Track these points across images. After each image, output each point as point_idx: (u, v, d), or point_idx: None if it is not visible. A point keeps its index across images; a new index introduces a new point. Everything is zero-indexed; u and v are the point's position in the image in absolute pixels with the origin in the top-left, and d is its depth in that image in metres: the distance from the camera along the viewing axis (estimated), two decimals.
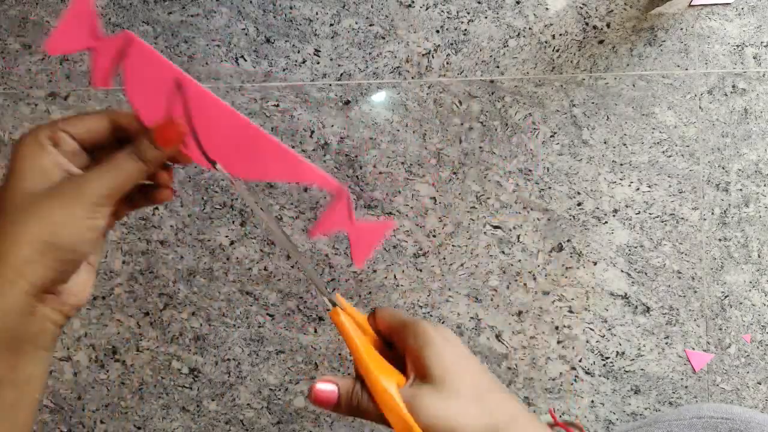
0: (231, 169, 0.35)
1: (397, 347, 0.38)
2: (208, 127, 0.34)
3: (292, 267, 0.78)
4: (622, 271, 0.77)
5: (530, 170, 0.77)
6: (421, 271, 0.77)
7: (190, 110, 0.34)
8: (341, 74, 0.78)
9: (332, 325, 0.77)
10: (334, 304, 0.36)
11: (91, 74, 0.35)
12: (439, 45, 0.78)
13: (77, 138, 0.33)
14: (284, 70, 0.78)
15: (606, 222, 0.77)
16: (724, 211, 0.77)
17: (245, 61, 0.78)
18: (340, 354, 0.77)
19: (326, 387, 0.35)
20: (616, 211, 0.77)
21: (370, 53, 0.78)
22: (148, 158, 0.33)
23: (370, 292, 0.77)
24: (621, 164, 0.77)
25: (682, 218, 0.77)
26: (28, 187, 0.31)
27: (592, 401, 0.77)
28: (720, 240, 0.77)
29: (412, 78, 0.78)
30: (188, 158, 0.36)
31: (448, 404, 0.33)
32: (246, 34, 0.79)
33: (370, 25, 0.78)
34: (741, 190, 0.77)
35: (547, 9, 0.78)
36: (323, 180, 0.35)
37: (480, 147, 0.78)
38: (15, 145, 0.32)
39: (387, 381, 0.35)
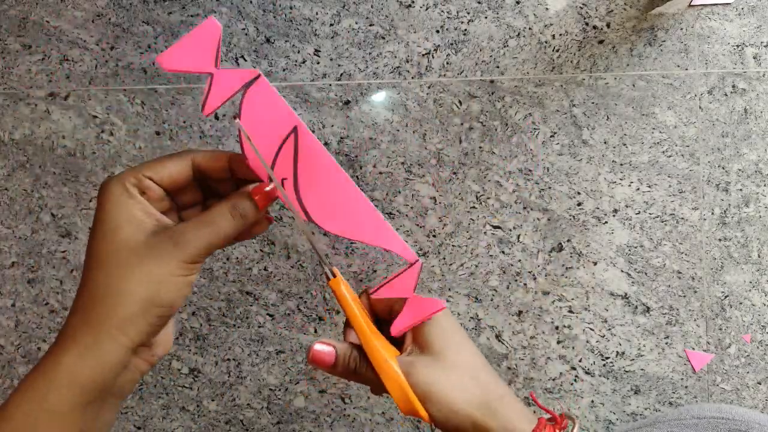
0: (323, 224, 0.35)
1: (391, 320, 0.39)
2: (310, 179, 0.35)
3: (292, 267, 0.78)
4: (622, 271, 0.77)
5: (530, 170, 0.77)
6: (420, 271, 0.77)
7: (298, 159, 0.34)
8: (341, 74, 0.78)
9: (332, 324, 0.77)
10: (335, 275, 0.37)
11: (205, 100, 0.34)
12: (439, 45, 0.78)
13: (161, 184, 0.33)
14: (284, 70, 0.78)
15: (606, 222, 0.77)
16: (724, 211, 0.77)
17: (245, 61, 0.78)
18: None
19: (324, 348, 0.36)
20: (616, 211, 0.77)
21: (370, 53, 0.78)
22: (247, 216, 0.33)
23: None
24: (621, 164, 0.77)
25: (682, 218, 0.77)
26: (124, 239, 0.31)
27: (592, 401, 0.77)
28: (720, 240, 0.77)
29: (412, 78, 0.78)
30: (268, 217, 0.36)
31: (447, 375, 0.35)
32: (246, 34, 0.79)
33: (370, 25, 0.78)
34: (741, 190, 0.77)
35: (547, 9, 0.78)
36: (404, 250, 0.36)
37: (480, 147, 0.78)
38: (100, 192, 0.32)
39: (385, 350, 0.36)
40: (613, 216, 0.77)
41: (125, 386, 0.32)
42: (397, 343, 0.39)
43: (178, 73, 0.33)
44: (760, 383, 0.77)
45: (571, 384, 0.77)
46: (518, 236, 0.77)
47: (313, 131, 0.78)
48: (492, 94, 0.78)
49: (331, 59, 0.78)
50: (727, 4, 0.78)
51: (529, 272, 0.77)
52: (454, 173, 0.77)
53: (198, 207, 0.36)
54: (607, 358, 0.77)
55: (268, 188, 0.33)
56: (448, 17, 0.78)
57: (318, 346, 0.36)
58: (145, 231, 0.31)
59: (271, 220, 0.37)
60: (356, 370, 0.37)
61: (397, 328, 0.37)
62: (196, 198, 0.36)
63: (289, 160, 0.34)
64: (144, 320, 0.30)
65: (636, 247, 0.77)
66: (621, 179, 0.77)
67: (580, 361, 0.77)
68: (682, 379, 0.77)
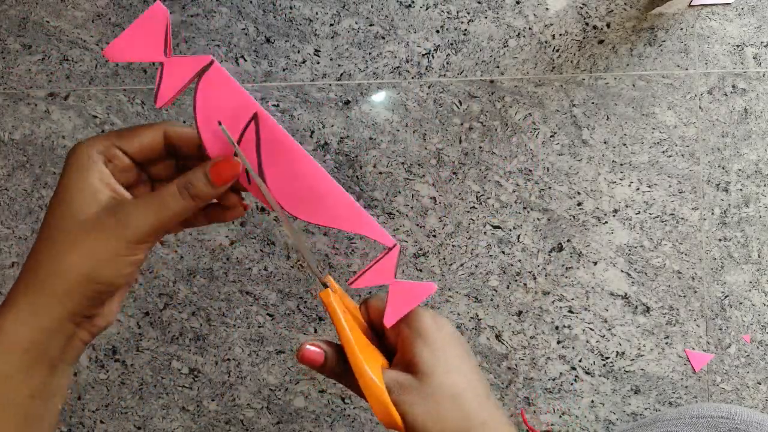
0: (293, 210, 0.34)
1: (389, 334, 0.38)
2: (276, 166, 0.33)
3: (292, 267, 0.78)
4: (622, 271, 0.77)
5: (530, 170, 0.77)
6: (421, 271, 0.77)
7: (261, 147, 0.33)
8: (341, 74, 0.78)
9: (332, 324, 0.77)
10: (326, 286, 0.36)
11: (157, 91, 0.32)
12: (439, 45, 0.78)
13: (130, 154, 0.32)
14: (284, 70, 0.78)
15: (606, 222, 0.77)
16: (724, 211, 0.77)
17: (245, 61, 0.78)
18: None
19: (314, 349, 0.36)
20: (616, 211, 0.77)
21: (370, 53, 0.78)
22: (199, 195, 0.32)
23: (370, 292, 0.77)
24: (621, 164, 0.77)
25: (682, 218, 0.77)
26: (74, 211, 0.31)
27: (592, 401, 0.77)
28: (720, 240, 0.77)
29: (412, 78, 0.78)
30: (236, 201, 0.34)
31: (425, 401, 0.34)
32: (246, 34, 0.79)
33: (370, 25, 0.78)
34: (741, 190, 0.77)
35: (547, 9, 0.78)
36: (381, 235, 0.35)
37: (480, 147, 0.78)
38: (67, 156, 0.31)
39: (369, 363, 0.35)
40: (613, 216, 0.77)
41: (69, 353, 0.33)
42: (392, 352, 0.38)
43: (128, 62, 0.31)
44: (760, 383, 0.77)
45: (571, 384, 0.77)
46: (518, 236, 0.77)
47: (313, 131, 0.78)
48: (492, 94, 0.78)
49: (331, 59, 0.78)
50: (727, 4, 0.78)
51: (529, 272, 0.77)
52: (454, 173, 0.77)
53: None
54: (607, 358, 0.77)
55: (227, 164, 0.32)
56: (448, 17, 0.78)
57: (308, 346, 0.36)
58: (98, 203, 0.31)
59: (246, 207, 0.36)
60: (341, 376, 0.37)
61: (389, 319, 0.37)
62: (170, 172, 0.35)
63: (252, 148, 0.33)
64: (81, 295, 0.30)
65: (636, 247, 0.77)
66: (621, 179, 0.77)
67: (580, 361, 0.77)
68: (682, 379, 0.77)
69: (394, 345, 0.38)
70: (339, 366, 0.36)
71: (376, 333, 0.39)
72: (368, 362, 0.35)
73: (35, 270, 0.31)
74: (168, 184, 0.32)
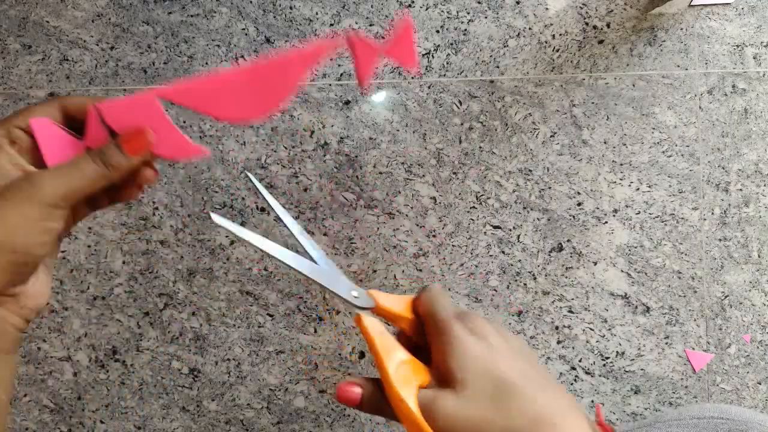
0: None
1: (429, 340, 0.37)
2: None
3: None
4: (622, 271, 0.77)
5: (530, 170, 0.77)
6: (421, 271, 0.77)
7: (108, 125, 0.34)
8: (341, 74, 0.78)
9: (332, 324, 0.77)
10: (360, 307, 0.37)
11: (363, 76, 0.36)
12: (439, 45, 0.78)
13: (30, 132, 0.32)
14: None
15: (606, 222, 0.77)
16: (724, 211, 0.77)
17: (245, 61, 0.78)
18: (339, 354, 0.77)
19: (351, 389, 0.36)
20: (616, 211, 0.77)
21: None
22: (113, 164, 0.32)
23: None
24: (621, 164, 0.77)
25: (682, 218, 0.77)
26: None
27: (592, 401, 0.77)
28: (720, 240, 0.77)
29: (412, 78, 0.78)
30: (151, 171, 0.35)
31: (466, 408, 0.32)
32: (246, 34, 0.79)
33: (370, 25, 0.78)
34: (741, 190, 0.77)
35: (547, 9, 0.78)
36: (320, 49, 0.36)
37: (480, 147, 0.77)
38: None
39: (405, 388, 0.34)
40: (613, 216, 0.77)
41: (1, 338, 0.31)
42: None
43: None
44: (760, 383, 0.77)
45: (571, 384, 0.77)
46: (518, 236, 0.77)
47: (313, 131, 0.78)
48: (492, 94, 0.78)
49: (331, 59, 0.78)
50: (727, 4, 0.78)
51: (529, 272, 0.77)
52: (454, 173, 0.77)
53: None
54: (607, 358, 0.77)
55: (139, 136, 0.33)
56: (448, 17, 0.78)
57: (345, 387, 0.36)
58: (9, 180, 0.31)
59: (156, 173, 0.35)
60: (380, 410, 0.36)
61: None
62: None
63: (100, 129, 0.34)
64: None
65: (636, 247, 0.77)
66: (621, 179, 0.77)
67: (580, 361, 0.77)
68: (682, 379, 0.77)
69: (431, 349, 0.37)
70: (378, 401, 0.36)
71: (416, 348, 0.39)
72: (407, 385, 0.34)
73: None
74: (84, 153, 0.32)
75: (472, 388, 0.32)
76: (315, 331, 0.77)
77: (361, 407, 0.36)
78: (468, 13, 0.78)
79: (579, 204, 0.77)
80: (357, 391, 0.36)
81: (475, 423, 0.32)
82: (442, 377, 0.34)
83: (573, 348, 0.77)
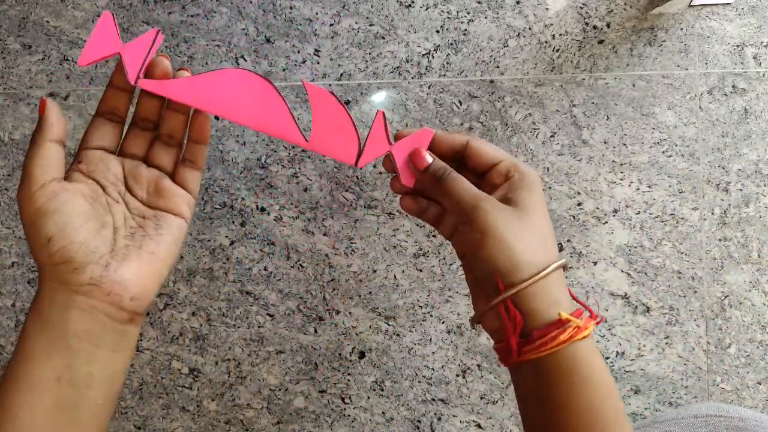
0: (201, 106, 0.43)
1: (473, 171, 0.42)
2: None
3: (292, 267, 0.78)
4: (622, 271, 0.77)
5: None
6: (421, 271, 0.77)
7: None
8: (341, 74, 0.78)
9: (332, 324, 0.77)
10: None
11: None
12: (439, 45, 0.78)
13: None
14: (284, 70, 0.78)
15: (606, 222, 0.77)
16: (724, 211, 0.77)
17: (245, 61, 0.79)
18: (339, 354, 0.77)
19: (425, 154, 0.42)
20: (616, 211, 0.77)
21: (370, 53, 0.78)
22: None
23: (370, 292, 0.77)
24: (621, 164, 0.77)
25: (682, 218, 0.77)
26: None
27: None
28: (720, 240, 0.77)
29: (412, 78, 0.78)
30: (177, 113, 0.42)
31: (522, 228, 0.37)
32: (246, 34, 0.79)
33: (370, 25, 0.78)
34: (741, 190, 0.77)
35: (547, 9, 0.78)
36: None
37: None
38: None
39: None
40: (613, 216, 0.77)
41: (90, 332, 0.31)
42: None
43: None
44: (760, 383, 0.77)
45: None
46: None
47: None
48: (492, 94, 0.78)
49: (331, 59, 0.78)
50: (727, 4, 0.78)
51: None
52: None
53: None
54: (607, 358, 0.77)
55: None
56: (448, 17, 0.78)
57: (422, 150, 0.42)
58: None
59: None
60: (439, 183, 0.40)
61: (406, 178, 0.44)
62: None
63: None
64: (32, 239, 0.32)
65: (636, 247, 0.77)
66: (621, 179, 0.77)
67: None
68: (682, 379, 0.77)
69: (484, 178, 0.42)
70: (443, 172, 0.41)
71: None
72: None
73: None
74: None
75: (532, 220, 0.38)
76: (315, 331, 0.77)
77: (424, 173, 0.41)
78: (468, 13, 0.78)
79: (579, 204, 0.77)
80: (429, 159, 0.41)
81: (526, 245, 0.37)
82: (508, 198, 0.39)
83: None
